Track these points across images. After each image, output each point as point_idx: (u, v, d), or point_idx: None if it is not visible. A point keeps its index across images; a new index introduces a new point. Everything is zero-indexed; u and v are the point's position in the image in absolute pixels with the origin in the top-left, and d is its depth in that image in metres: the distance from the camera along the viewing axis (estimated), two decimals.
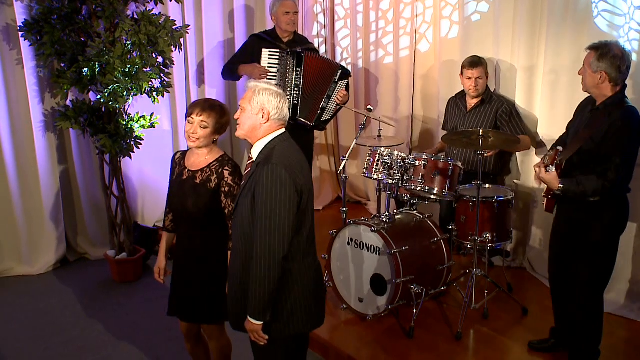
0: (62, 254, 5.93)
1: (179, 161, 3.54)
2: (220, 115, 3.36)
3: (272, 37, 5.68)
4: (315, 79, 5.45)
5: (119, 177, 5.46)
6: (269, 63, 5.48)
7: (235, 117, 3.04)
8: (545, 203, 3.85)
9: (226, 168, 3.37)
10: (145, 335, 4.72)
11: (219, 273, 3.42)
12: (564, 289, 3.96)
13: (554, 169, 3.51)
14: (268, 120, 2.95)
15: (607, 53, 3.56)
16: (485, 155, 4.81)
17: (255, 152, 3.01)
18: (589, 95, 3.81)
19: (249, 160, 3.08)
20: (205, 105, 3.37)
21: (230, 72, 5.75)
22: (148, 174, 6.29)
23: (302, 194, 2.87)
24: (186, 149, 3.61)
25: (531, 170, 5.21)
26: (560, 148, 3.47)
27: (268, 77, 5.44)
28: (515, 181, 5.35)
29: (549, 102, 4.93)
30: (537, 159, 5.11)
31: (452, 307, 4.78)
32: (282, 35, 5.66)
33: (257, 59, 5.53)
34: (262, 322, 2.88)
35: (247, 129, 2.97)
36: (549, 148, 4.93)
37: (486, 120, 5.09)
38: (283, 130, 3.02)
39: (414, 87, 6.14)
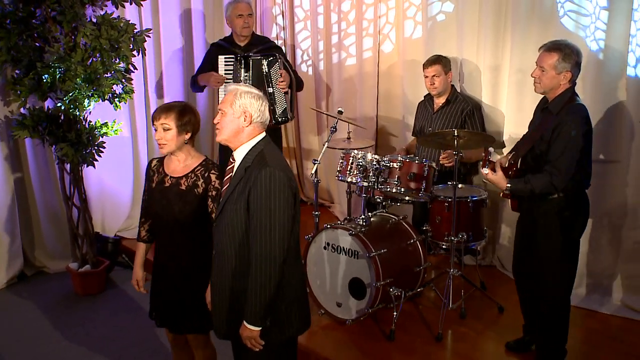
0: (19, 268, 5.69)
1: (156, 168, 3.45)
2: (180, 114, 3.28)
3: (229, 43, 5.58)
4: (256, 79, 5.37)
5: (80, 187, 5.26)
6: (225, 70, 5.38)
7: (215, 121, 2.98)
8: (510, 202, 3.91)
9: (213, 172, 3.32)
10: (117, 349, 4.56)
11: (205, 281, 3.32)
12: (530, 288, 3.99)
13: (499, 170, 3.56)
14: (250, 124, 2.93)
15: (571, 52, 3.63)
16: (446, 165, 4.84)
17: (239, 156, 2.97)
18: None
19: (229, 165, 3.03)
20: (163, 108, 3.33)
21: (193, 83, 5.68)
22: (108, 182, 6.11)
23: (296, 195, 2.88)
24: (160, 156, 3.53)
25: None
26: (491, 149, 3.56)
27: (225, 84, 5.34)
28: (484, 180, 5.36)
29: (516, 101, 4.98)
30: None
31: (427, 308, 4.77)
32: (238, 40, 5.57)
33: (217, 67, 5.44)
34: (260, 328, 2.85)
35: (229, 133, 2.93)
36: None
37: (452, 120, 5.09)
38: (265, 133, 3.01)
39: (378, 88, 6.12)
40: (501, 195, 3.92)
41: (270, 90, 5.35)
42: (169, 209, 3.32)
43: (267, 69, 5.33)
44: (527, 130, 4.18)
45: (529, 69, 4.83)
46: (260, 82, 5.33)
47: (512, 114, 5.05)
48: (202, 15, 6.46)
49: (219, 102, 5.28)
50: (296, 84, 5.59)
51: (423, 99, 5.40)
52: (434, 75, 5.06)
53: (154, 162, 3.49)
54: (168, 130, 3.26)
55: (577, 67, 3.68)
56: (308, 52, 6.70)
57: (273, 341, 2.94)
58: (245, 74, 5.29)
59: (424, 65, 5.14)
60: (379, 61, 6.06)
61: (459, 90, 5.29)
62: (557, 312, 3.83)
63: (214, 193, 3.29)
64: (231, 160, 3.01)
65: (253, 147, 2.94)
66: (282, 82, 5.38)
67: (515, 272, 4.10)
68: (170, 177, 3.37)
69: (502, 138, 5.13)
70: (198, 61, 6.39)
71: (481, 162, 3.63)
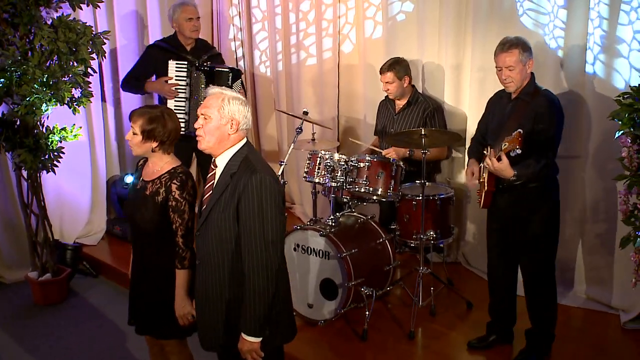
0: None
1: (140, 169, 3.40)
2: (148, 122, 3.19)
3: (174, 46, 5.42)
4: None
5: (39, 194, 5.11)
6: (176, 76, 5.26)
7: (196, 126, 2.87)
8: (482, 200, 3.93)
9: (174, 182, 3.19)
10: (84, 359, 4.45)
11: (171, 290, 3.26)
12: (507, 282, 4.06)
13: (505, 158, 3.58)
14: (237, 131, 2.85)
15: (525, 43, 3.80)
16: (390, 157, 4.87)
17: (221, 162, 2.89)
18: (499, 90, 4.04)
19: (210, 172, 2.96)
20: (138, 111, 3.25)
21: (133, 86, 5.49)
22: (65, 188, 5.96)
23: (284, 200, 2.84)
24: (127, 167, 3.48)
25: (461, 168, 5.32)
26: (520, 131, 3.51)
27: (177, 90, 5.26)
28: (447, 178, 5.44)
29: (478, 99, 5.04)
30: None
31: (397, 306, 4.80)
32: (185, 43, 5.45)
33: (162, 72, 5.30)
34: (260, 339, 2.79)
35: (215, 140, 2.84)
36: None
37: (414, 121, 5.12)
38: (246, 139, 2.94)
39: (339, 88, 6.12)
40: (478, 192, 3.96)
41: None
42: (133, 212, 3.27)
43: (230, 83, 5.27)
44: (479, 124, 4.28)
45: (490, 67, 4.89)
46: None
47: (474, 111, 5.10)
48: (159, 17, 6.35)
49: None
50: None
51: (384, 98, 5.41)
52: (387, 82, 5.09)
53: (141, 162, 3.44)
54: (135, 135, 3.21)
55: (533, 56, 3.84)
56: (266, 53, 6.66)
57: (264, 350, 2.87)
58: (209, 83, 5.20)
59: (379, 71, 5.15)
60: (339, 61, 6.06)
61: (420, 91, 5.32)
62: (547, 299, 3.94)
63: (173, 204, 3.17)
64: (212, 167, 2.94)
65: (236, 152, 2.86)
66: None
67: (492, 266, 4.12)
68: (143, 179, 3.31)
69: (464, 135, 5.19)
70: None
71: (504, 147, 3.59)
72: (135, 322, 3.46)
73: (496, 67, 3.87)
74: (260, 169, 2.78)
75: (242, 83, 5.47)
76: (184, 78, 5.25)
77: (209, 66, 5.26)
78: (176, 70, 5.25)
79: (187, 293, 3.23)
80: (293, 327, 3.07)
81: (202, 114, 2.85)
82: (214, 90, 2.89)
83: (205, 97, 2.93)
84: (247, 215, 2.72)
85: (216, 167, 2.90)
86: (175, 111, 5.07)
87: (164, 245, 3.26)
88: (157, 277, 3.30)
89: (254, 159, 2.84)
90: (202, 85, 5.24)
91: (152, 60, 5.40)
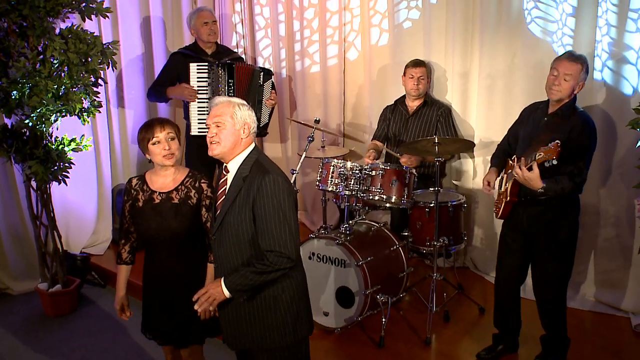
0: None
1: (139, 187, 3.40)
2: (176, 127, 3.36)
3: (195, 52, 5.53)
4: (246, 87, 5.37)
5: (48, 205, 5.09)
6: (198, 78, 5.32)
7: (210, 135, 2.95)
8: (501, 209, 3.94)
9: (203, 181, 3.35)
10: None
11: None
12: (517, 287, 4.08)
13: (536, 168, 3.59)
14: (248, 135, 2.96)
15: (587, 66, 3.80)
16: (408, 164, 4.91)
17: (233, 167, 2.98)
18: (543, 101, 3.98)
19: (222, 177, 3.03)
20: (162, 120, 3.35)
21: (157, 94, 5.58)
22: (71, 198, 5.93)
23: (295, 199, 2.96)
24: (136, 175, 3.50)
25: (469, 172, 5.38)
26: (559, 142, 3.49)
27: (199, 93, 5.29)
28: (454, 182, 5.49)
29: (486, 105, 5.10)
30: (477, 160, 5.27)
31: (409, 312, 4.83)
32: (205, 48, 5.54)
33: (185, 77, 5.36)
34: (228, 297, 2.89)
35: (229, 145, 2.94)
36: (489, 150, 5.12)
37: (429, 122, 5.20)
38: (254, 143, 3.04)
39: (344, 95, 6.15)
40: (496, 201, 3.99)
41: (259, 103, 5.37)
42: (164, 224, 3.28)
43: (262, 82, 5.38)
44: (500, 132, 4.29)
45: (498, 75, 4.99)
46: (250, 92, 5.38)
47: (482, 119, 5.16)
48: (162, 23, 6.37)
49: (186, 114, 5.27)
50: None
51: (393, 103, 5.45)
52: (420, 77, 5.16)
53: (135, 181, 3.44)
54: (174, 139, 3.30)
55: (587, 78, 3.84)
56: (269, 60, 6.67)
57: (285, 344, 2.98)
58: (230, 80, 5.27)
59: (410, 64, 5.20)
60: (344, 68, 6.09)
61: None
62: (559, 305, 3.98)
63: (207, 202, 3.30)
64: (224, 172, 3.02)
65: (247, 156, 2.96)
66: (271, 100, 5.47)
67: (506, 278, 4.10)
68: (159, 192, 3.33)
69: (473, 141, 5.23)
70: (159, 70, 6.27)
71: (539, 157, 3.59)
72: (154, 334, 3.48)
73: (551, 70, 3.82)
74: (272, 170, 2.88)
75: (273, 84, 5.54)
76: (205, 79, 5.30)
77: (226, 62, 5.32)
78: (197, 73, 5.31)
79: None
80: (311, 320, 3.16)
81: (213, 123, 2.94)
82: (220, 99, 3.00)
83: (227, 94, 3.00)
84: (264, 215, 2.82)
85: (228, 172, 2.99)
86: (198, 112, 5.19)
87: (194, 249, 3.34)
88: (191, 282, 3.32)
89: (264, 161, 2.95)
90: (223, 82, 5.28)
91: (175, 66, 5.50)
